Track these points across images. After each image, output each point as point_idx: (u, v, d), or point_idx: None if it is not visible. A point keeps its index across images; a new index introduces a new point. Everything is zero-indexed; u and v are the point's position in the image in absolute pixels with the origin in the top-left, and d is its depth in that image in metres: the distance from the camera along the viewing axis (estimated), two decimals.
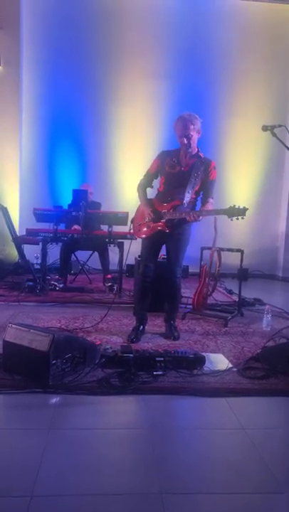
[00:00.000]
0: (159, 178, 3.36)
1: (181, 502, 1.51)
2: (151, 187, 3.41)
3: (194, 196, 3.26)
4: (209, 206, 3.25)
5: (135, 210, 3.48)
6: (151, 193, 3.43)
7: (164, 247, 3.40)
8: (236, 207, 3.00)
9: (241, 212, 2.98)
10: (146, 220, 3.28)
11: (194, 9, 6.47)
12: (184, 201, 3.18)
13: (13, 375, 2.42)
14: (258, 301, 4.71)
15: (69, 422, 2.06)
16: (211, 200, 3.27)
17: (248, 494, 1.58)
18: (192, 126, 3.12)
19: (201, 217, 3.12)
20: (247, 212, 3.01)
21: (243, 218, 3.01)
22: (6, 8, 6.04)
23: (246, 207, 3.02)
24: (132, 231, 3.52)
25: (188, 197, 3.19)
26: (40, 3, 6.27)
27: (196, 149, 3.24)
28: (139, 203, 3.42)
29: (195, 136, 3.17)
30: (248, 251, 4.58)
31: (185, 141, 3.13)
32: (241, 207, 3.00)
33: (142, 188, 3.38)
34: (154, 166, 3.34)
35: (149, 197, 3.38)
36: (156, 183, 3.40)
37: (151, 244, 3.35)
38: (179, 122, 3.16)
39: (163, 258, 3.56)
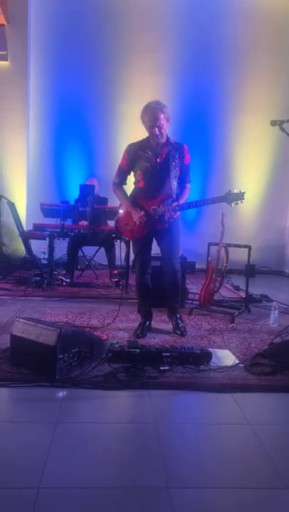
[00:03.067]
0: (133, 173, 3.25)
1: (188, 496, 1.52)
2: (126, 184, 3.31)
3: (176, 184, 3.18)
4: (186, 192, 3.20)
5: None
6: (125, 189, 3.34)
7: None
8: (232, 192, 2.94)
9: (240, 196, 2.92)
10: (138, 222, 3.15)
11: (202, 4, 6.43)
12: (173, 193, 3.12)
13: (20, 369, 2.44)
14: (265, 297, 4.69)
15: (76, 416, 2.07)
16: (188, 185, 3.23)
17: (254, 489, 1.58)
18: (162, 115, 2.99)
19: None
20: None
21: (242, 202, 2.95)
22: (14, 3, 6.05)
23: (242, 190, 2.94)
24: (118, 233, 3.40)
25: (174, 187, 3.12)
26: None
27: (166, 137, 3.12)
28: (120, 202, 3.32)
29: (165, 125, 3.04)
30: (256, 247, 4.55)
31: (156, 131, 3.01)
32: (237, 191, 2.94)
33: (119, 187, 3.28)
34: (125, 162, 3.21)
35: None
36: (130, 178, 3.30)
37: (144, 240, 3.27)
38: (147, 112, 3.01)
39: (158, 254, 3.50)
